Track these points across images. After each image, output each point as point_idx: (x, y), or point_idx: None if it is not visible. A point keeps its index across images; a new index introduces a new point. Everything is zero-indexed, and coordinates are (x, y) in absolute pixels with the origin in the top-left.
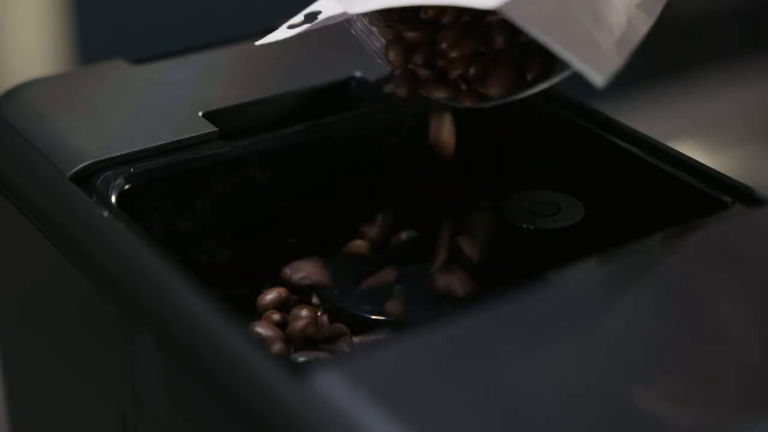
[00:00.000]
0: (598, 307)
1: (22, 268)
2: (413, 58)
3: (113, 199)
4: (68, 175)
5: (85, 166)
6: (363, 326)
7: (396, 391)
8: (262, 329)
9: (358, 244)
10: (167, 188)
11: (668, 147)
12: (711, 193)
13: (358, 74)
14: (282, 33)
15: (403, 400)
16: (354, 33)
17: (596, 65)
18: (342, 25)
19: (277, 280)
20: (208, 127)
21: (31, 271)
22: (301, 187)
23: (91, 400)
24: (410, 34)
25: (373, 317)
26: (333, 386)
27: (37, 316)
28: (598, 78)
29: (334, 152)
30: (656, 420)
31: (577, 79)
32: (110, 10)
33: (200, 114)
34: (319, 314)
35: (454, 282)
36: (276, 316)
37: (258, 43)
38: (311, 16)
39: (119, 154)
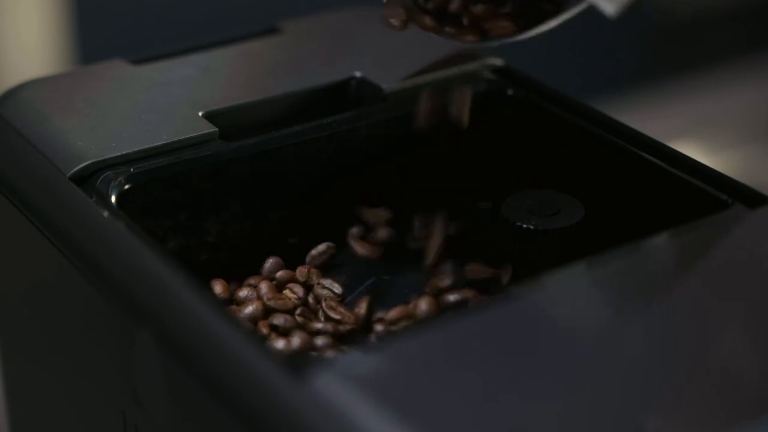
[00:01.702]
0: (597, 307)
1: (22, 267)
2: None
3: (113, 199)
4: (68, 175)
5: (85, 166)
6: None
7: (396, 392)
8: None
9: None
10: (167, 188)
11: (668, 147)
12: (711, 192)
13: (358, 74)
14: None
15: (402, 400)
16: None
17: None
18: (342, 24)
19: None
20: (208, 127)
21: (31, 271)
22: (301, 187)
23: (91, 400)
24: None
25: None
26: (333, 386)
27: (37, 315)
28: (609, 8)
29: (334, 152)
30: (654, 421)
31: (577, 78)
32: (110, 10)
33: (200, 114)
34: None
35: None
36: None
37: None
38: None
39: (119, 154)
